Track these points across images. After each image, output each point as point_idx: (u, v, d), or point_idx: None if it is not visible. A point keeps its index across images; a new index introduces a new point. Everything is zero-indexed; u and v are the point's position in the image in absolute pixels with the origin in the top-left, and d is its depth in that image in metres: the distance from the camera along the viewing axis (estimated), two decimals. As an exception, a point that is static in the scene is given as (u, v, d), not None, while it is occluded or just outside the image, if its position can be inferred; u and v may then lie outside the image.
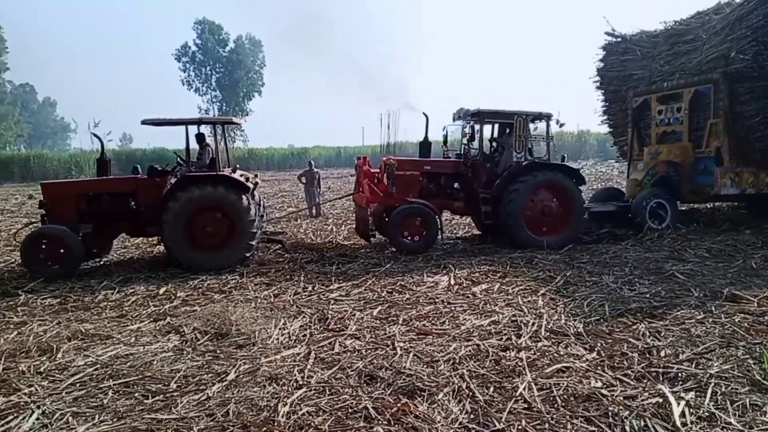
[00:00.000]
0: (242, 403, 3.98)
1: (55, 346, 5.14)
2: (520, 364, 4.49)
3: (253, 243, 8.72)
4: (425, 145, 10.50)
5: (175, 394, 4.18)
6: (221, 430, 3.62)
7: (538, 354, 4.72)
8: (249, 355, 4.95)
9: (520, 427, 3.49)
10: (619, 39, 12.91)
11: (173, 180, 8.87)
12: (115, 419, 3.80)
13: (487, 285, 7.11)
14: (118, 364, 4.76)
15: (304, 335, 5.46)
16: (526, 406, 3.82)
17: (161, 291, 7.18)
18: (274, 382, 4.35)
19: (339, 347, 5.09)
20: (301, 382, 4.32)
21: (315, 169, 15.16)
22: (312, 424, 3.65)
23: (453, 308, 6.20)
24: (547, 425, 3.52)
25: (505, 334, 5.27)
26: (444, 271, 7.95)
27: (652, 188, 10.86)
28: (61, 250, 8.12)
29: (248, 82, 58.66)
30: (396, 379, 4.32)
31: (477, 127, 10.26)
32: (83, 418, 3.81)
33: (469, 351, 4.87)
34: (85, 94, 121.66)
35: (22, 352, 5.00)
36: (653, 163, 11.19)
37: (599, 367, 4.39)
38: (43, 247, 8.10)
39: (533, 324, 5.49)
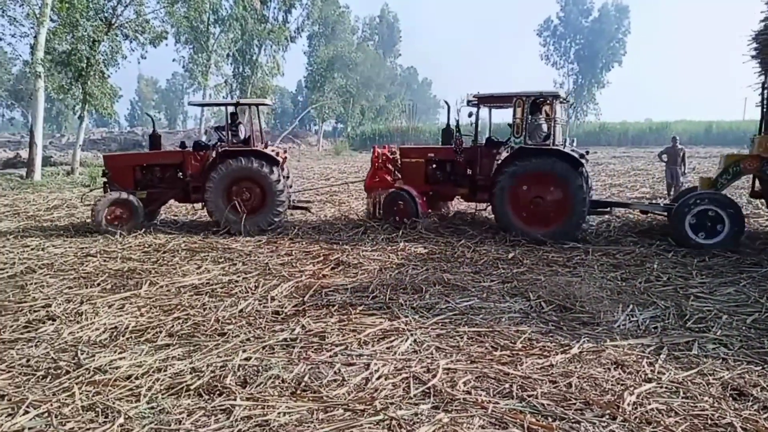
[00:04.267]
0: (585, 380, 3.98)
1: (423, 287, 6.11)
2: None
3: (281, 210, 9.66)
4: (446, 133, 10.12)
5: (520, 353, 4.46)
6: (562, 399, 3.71)
7: None
8: (593, 334, 4.88)
9: None
10: None
11: (214, 154, 9.83)
12: (468, 362, 4.31)
13: None
14: (472, 314, 5.35)
15: (655, 327, 5.04)
16: None
17: (509, 256, 7.66)
18: (620, 368, 4.19)
19: (698, 350, 4.53)
20: (650, 376, 4.04)
21: (679, 146, 13.46)
22: (662, 422, 3.40)
23: None
24: None
25: None
26: None
27: (707, 190, 8.34)
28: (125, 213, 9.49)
29: (609, 52, 55.42)
30: (774, 403, 3.60)
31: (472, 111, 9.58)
32: (444, 353, 4.45)
33: None
34: (454, 75, 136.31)
35: (401, 288, 6.12)
36: (736, 157, 8.43)
37: None
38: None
39: None
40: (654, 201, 12.63)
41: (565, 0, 56.82)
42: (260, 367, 4.11)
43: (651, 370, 4.13)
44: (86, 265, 7.28)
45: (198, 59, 33.87)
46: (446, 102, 10.60)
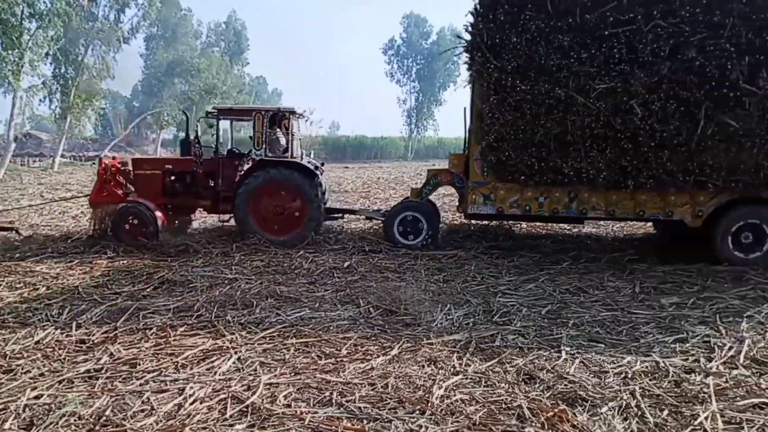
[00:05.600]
0: (401, 379, 4.21)
1: (255, 302, 5.99)
2: (705, 390, 3.95)
3: None
4: (185, 144, 10.10)
5: (344, 359, 4.58)
6: (379, 400, 3.88)
7: (731, 383, 4.09)
8: (413, 334, 5.18)
9: (693, 460, 3.10)
10: None
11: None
12: (292, 373, 4.31)
13: (679, 298, 6.32)
14: (302, 325, 5.37)
15: (468, 324, 5.51)
16: (705, 438, 3.37)
17: (345, 265, 7.84)
18: (432, 364, 4.51)
19: (501, 341, 5.05)
20: (458, 369, 4.41)
21: None
22: (464, 411, 3.71)
23: (634, 318, 5.68)
24: (728, 465, 3.06)
25: (693, 355, 4.66)
26: (629, 277, 7.28)
27: (411, 200, 9.53)
28: None
29: (445, 73, 59.87)
30: (556, 383, 4.15)
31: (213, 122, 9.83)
32: (268, 368, 4.40)
33: (646, 367, 4.44)
34: (303, 85, 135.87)
35: (230, 304, 5.93)
36: (435, 171, 9.62)
37: (813, 411, 3.65)
38: None
39: (730, 348, 4.76)
40: None
41: (407, 22, 60.41)
42: (53, 405, 3.67)
43: (459, 363, 4.51)
44: None
45: (8, 57, 29.52)
46: (184, 112, 10.66)
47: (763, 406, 3.73)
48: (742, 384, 4.07)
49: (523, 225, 10.92)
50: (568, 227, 11.01)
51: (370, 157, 48.18)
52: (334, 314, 5.74)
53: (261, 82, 79.32)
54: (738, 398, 3.84)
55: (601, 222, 10.77)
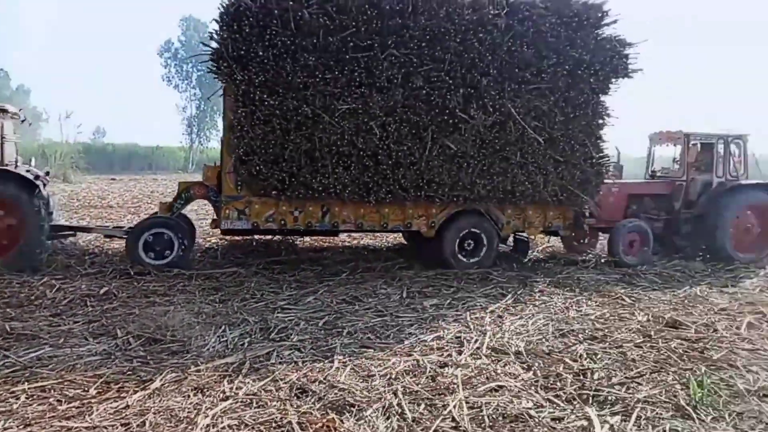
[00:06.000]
0: (161, 414, 3.82)
1: (-27, 344, 4.88)
2: (455, 381, 4.42)
3: None
4: None
5: (93, 401, 3.98)
6: (133, 441, 3.45)
7: (476, 372, 4.66)
8: (180, 362, 4.77)
9: (443, 447, 3.40)
10: None
11: None
12: (22, 426, 3.59)
13: (439, 300, 7.05)
14: (39, 367, 4.53)
15: (243, 344, 5.29)
16: (453, 425, 3.75)
17: (102, 291, 6.91)
18: (200, 393, 4.19)
19: (276, 358, 4.95)
20: (228, 393, 4.17)
21: None
22: (231, 437, 3.51)
23: (400, 321, 6.12)
24: (470, 446, 3.44)
25: (447, 351, 5.20)
26: (399, 284, 7.87)
27: (160, 215, 8.79)
28: None
29: (228, 82, 58.17)
30: (328, 393, 4.20)
31: None
32: (-13, 424, 3.59)
33: (408, 366, 4.79)
34: (60, 85, 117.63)
35: (-65, 351, 4.72)
36: (188, 184, 8.91)
37: (533, 387, 4.36)
38: None
39: (476, 341, 5.44)
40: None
41: (186, 25, 57.05)
42: None
43: (230, 388, 4.27)
44: None
45: None
46: None
47: (498, 388, 4.32)
48: (484, 372, 4.67)
49: (307, 238, 11.07)
50: (348, 239, 11.51)
51: (143, 168, 43.91)
52: (83, 350, 4.98)
53: (2, 75, 66.78)
54: (480, 385, 4.38)
55: (377, 233, 11.51)
